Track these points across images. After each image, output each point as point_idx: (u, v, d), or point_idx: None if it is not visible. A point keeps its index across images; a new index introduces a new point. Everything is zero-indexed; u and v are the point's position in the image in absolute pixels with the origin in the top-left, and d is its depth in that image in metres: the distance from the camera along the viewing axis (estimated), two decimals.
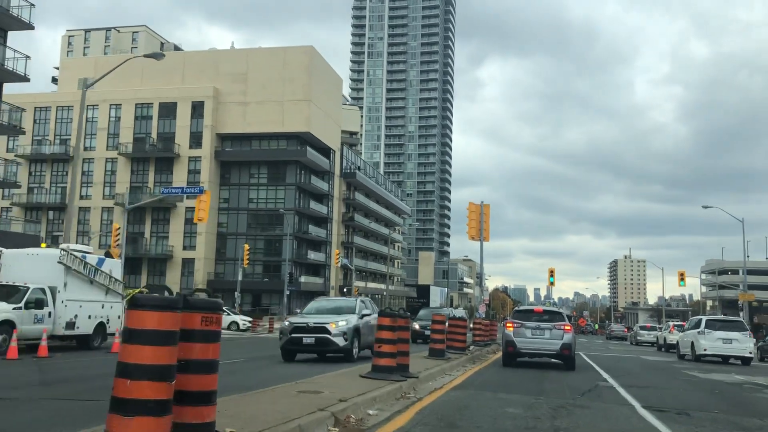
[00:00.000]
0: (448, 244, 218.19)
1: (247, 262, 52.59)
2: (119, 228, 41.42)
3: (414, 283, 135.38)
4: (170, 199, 70.66)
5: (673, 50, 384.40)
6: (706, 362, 24.87)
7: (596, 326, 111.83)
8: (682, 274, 57.93)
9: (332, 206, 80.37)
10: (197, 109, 73.25)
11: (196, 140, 72.91)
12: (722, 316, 35.53)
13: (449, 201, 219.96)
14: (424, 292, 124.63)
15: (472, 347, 22.66)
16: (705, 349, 24.72)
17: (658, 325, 51.97)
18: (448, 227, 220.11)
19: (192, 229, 71.89)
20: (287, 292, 60.64)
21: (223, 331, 45.19)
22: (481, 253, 29.54)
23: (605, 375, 16.31)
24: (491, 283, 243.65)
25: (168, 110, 73.92)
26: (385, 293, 76.57)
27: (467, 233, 30.25)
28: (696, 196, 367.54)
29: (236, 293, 54.80)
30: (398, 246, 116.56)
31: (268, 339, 35.70)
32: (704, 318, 26.82)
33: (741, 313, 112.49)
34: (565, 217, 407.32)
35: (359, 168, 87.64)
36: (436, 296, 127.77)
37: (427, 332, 21.24)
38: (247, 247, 53.32)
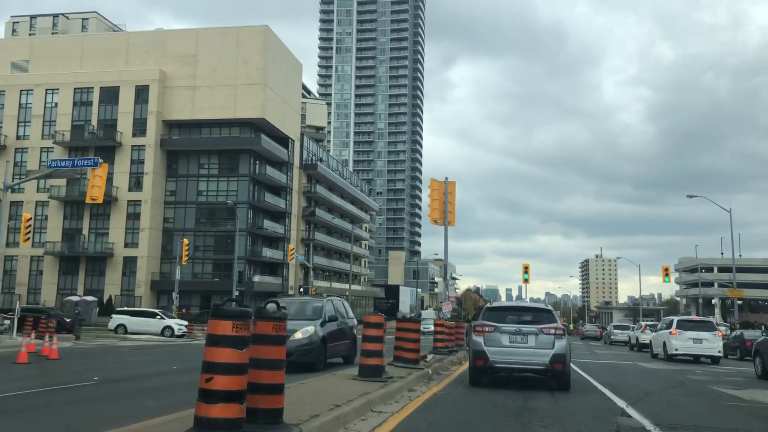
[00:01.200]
0: (419, 244, 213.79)
1: (187, 258, 46.72)
2: (30, 219, 35.30)
3: (384, 283, 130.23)
4: (110, 191, 64.42)
5: (640, 52, 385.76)
6: (705, 364, 24.16)
7: (571, 326, 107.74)
8: (666, 269, 53.72)
9: (291, 200, 74.64)
10: (141, 93, 67.03)
11: (140, 128, 66.68)
12: (693, 316, 35.62)
13: (420, 200, 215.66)
14: (393, 292, 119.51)
15: (430, 357, 17.42)
16: (676, 349, 25.28)
17: (631, 325, 51.28)
18: (419, 226, 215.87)
19: (135, 225, 65.68)
20: (236, 293, 54.88)
21: (154, 337, 39.55)
22: (446, 240, 24.35)
23: (616, 399, 11.31)
24: (463, 284, 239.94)
25: (110, 95, 67.56)
26: (347, 293, 71.04)
27: (429, 216, 25.02)
28: (663, 196, 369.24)
29: (174, 294, 48.87)
30: (365, 244, 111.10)
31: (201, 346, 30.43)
32: (676, 318, 27.46)
33: (716, 311, 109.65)
34: (535, 217, 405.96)
35: (321, 159, 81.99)
36: (406, 297, 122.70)
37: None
38: (186, 242, 47.46)
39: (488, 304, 15.60)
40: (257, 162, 67.72)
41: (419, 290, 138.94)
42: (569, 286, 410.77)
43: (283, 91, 71.00)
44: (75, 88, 68.10)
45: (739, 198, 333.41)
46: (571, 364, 18.21)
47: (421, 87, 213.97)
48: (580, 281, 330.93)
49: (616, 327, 50.74)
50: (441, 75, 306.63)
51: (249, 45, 66.58)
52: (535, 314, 12.60)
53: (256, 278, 66.75)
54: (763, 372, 17.97)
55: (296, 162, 75.94)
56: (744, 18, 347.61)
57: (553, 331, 11.95)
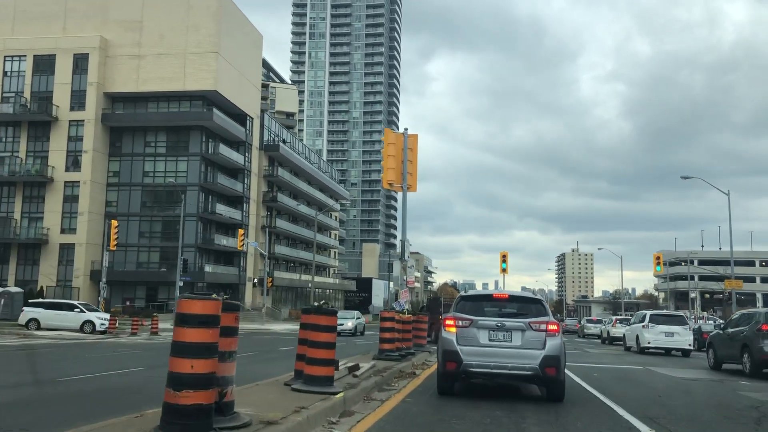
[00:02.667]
0: (395, 237, 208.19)
1: (115, 244, 40.28)
2: None
3: (358, 276, 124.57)
4: (44, 170, 57.81)
5: (617, 48, 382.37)
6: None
7: None
8: (658, 257, 48.53)
9: (249, 183, 68.31)
10: (80, 63, 60.27)
11: (78, 101, 59.95)
12: (665, 311, 36.96)
13: (396, 191, 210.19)
14: (365, 285, 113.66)
15: (368, 367, 11.68)
16: (649, 342, 25.93)
17: (603, 319, 52.78)
18: (395, 219, 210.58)
19: (72, 209, 59.03)
20: (180, 284, 48.59)
21: (70, 333, 33.34)
22: (404, 208, 18.55)
23: (630, 418, 8.34)
24: (440, 279, 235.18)
25: (45, 64, 60.69)
26: (309, 285, 65.10)
27: (381, 178, 19.23)
28: (638, 192, 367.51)
29: (101, 284, 42.49)
30: (335, 234, 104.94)
31: (117, 345, 25.23)
32: (648, 313, 27.68)
33: (695, 304, 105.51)
34: (512, 213, 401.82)
35: (284, 141, 75.65)
36: (380, 290, 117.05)
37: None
38: (115, 223, 40.98)
39: (463, 292, 12.67)
40: (210, 140, 61.32)
41: (392, 284, 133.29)
42: (545, 281, 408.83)
43: (240, 63, 64.62)
44: (5, 56, 61.17)
45: (713, 194, 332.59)
46: (568, 372, 12.91)
47: (398, 75, 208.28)
48: (556, 275, 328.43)
49: (588, 321, 53.08)
50: (419, 69, 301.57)
51: (201, 10, 60.08)
52: (522, 305, 10.24)
53: (209, 268, 60.46)
54: (715, 363, 18.93)
55: (255, 141, 69.57)
56: (719, 15, 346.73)
57: (544, 326, 9.68)
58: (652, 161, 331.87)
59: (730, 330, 18.64)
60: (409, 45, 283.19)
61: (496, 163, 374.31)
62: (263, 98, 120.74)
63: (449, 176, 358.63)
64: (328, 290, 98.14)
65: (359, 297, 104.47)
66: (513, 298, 10.41)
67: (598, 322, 49.65)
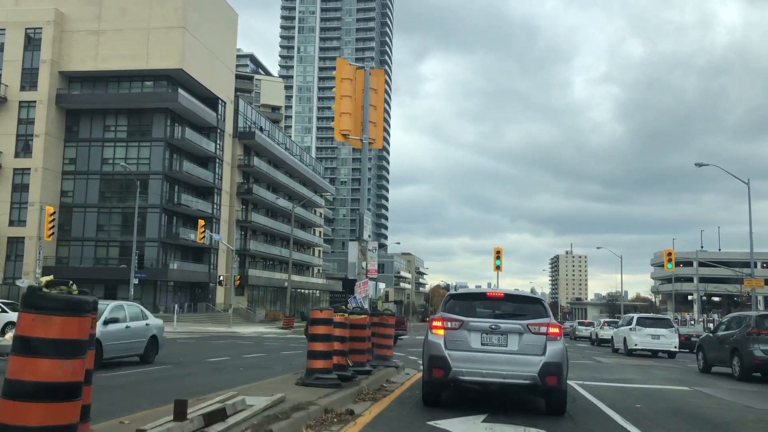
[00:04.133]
0: (385, 237, 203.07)
1: (50, 233, 34.75)
2: None
3: (345, 276, 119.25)
4: None
5: (610, 49, 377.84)
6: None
7: None
8: (669, 254, 43.52)
9: (222, 173, 62.87)
10: (33, 38, 54.84)
11: (30, 80, 54.49)
12: (652, 314, 37.06)
13: (387, 190, 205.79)
14: (352, 286, 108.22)
15: (254, 412, 6.43)
16: (636, 344, 26.61)
17: (594, 322, 52.96)
18: (386, 218, 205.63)
19: (22, 198, 53.56)
20: (135, 281, 43.23)
21: None
22: (364, 168, 13.65)
23: None
24: (432, 280, 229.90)
25: None
26: (286, 284, 59.70)
27: (333, 127, 13.99)
28: (632, 195, 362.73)
29: (21, 280, 36.98)
30: (320, 231, 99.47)
31: None
32: (635, 316, 28.68)
33: (695, 306, 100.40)
34: (505, 215, 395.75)
35: (261, 129, 70.18)
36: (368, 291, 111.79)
37: None
38: (50, 210, 35.34)
39: (452, 291, 11.19)
40: (176, 124, 55.86)
41: (383, 285, 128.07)
42: (539, 283, 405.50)
43: (211, 42, 59.23)
44: None
45: (705, 198, 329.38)
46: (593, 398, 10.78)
47: (389, 71, 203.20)
48: (550, 278, 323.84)
49: (580, 324, 54.09)
50: (412, 69, 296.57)
51: None
52: (519, 305, 9.10)
53: (174, 265, 54.99)
54: (704, 366, 18.67)
55: (229, 129, 64.14)
56: (712, 18, 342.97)
57: (544, 329, 8.56)
58: (646, 164, 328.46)
59: (720, 333, 18.29)
60: (402, 45, 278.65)
61: (490, 165, 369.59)
62: (247, 91, 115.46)
63: (442, 178, 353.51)
64: (311, 291, 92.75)
65: (346, 298, 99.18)
66: (509, 297, 9.37)
67: (590, 324, 50.54)
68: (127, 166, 48.52)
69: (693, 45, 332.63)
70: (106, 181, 55.53)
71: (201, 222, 42.88)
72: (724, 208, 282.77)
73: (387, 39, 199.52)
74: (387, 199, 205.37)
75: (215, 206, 61.05)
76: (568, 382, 9.80)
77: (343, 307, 12.23)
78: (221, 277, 54.61)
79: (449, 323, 8.77)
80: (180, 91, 53.93)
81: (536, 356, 8.41)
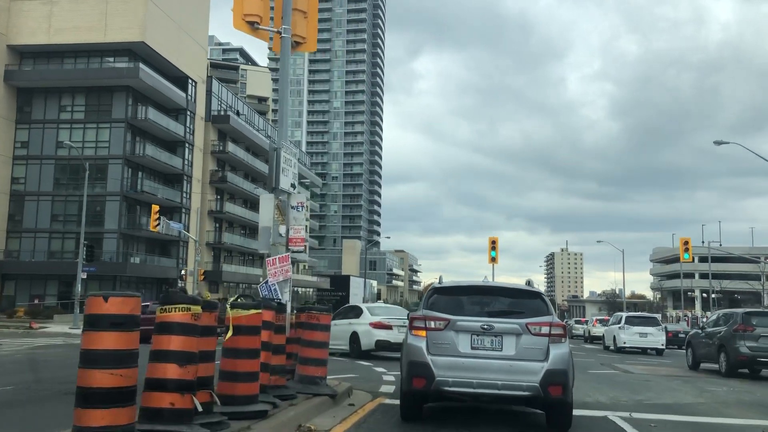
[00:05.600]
0: (378, 233, 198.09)
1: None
2: None
3: (339, 273, 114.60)
4: None
5: (604, 46, 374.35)
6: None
7: None
8: (686, 242, 38.75)
9: (192, 159, 57.72)
10: None
11: None
12: (641, 313, 38.06)
13: (380, 186, 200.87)
14: (342, 283, 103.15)
15: None
16: (624, 342, 27.89)
17: (587, 320, 53.76)
18: (379, 215, 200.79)
19: None
20: (83, 275, 38.15)
21: None
22: (284, 77, 8.36)
23: None
24: (427, 279, 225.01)
25: None
26: (261, 280, 54.70)
27: (232, 13, 8.96)
28: (627, 193, 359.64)
29: None
30: (305, 225, 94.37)
31: None
32: (624, 315, 30.06)
33: (697, 303, 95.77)
34: (500, 213, 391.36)
35: (238, 113, 65.01)
36: (358, 289, 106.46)
37: None
38: None
39: (436, 284, 9.00)
40: (138, 104, 50.69)
41: (374, 282, 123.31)
42: (534, 281, 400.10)
43: (180, 15, 54.09)
44: None
45: (700, 195, 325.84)
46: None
47: (382, 65, 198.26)
48: (545, 275, 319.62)
49: (577, 322, 55.22)
50: (406, 66, 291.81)
51: None
52: (516, 300, 7.91)
53: (136, 259, 49.88)
54: (693, 362, 18.86)
55: (201, 112, 59.02)
56: (706, 14, 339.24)
57: (546, 329, 7.38)
58: (641, 162, 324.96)
59: (708, 330, 18.47)
60: (395, 42, 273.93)
61: (485, 163, 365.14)
62: (233, 81, 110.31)
63: (437, 176, 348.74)
64: (296, 288, 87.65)
65: (335, 296, 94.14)
66: (504, 291, 8.12)
67: (586, 323, 51.51)
68: (71, 145, 43.03)
69: (687, 42, 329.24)
70: (62, 167, 50.34)
71: (155, 207, 37.76)
72: (719, 206, 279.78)
73: (379, 32, 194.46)
74: (380, 196, 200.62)
75: (185, 195, 55.92)
76: (606, 414, 8.59)
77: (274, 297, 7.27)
78: (183, 272, 49.44)
79: (432, 323, 7.74)
80: (142, 66, 48.76)
81: (537, 362, 7.34)
